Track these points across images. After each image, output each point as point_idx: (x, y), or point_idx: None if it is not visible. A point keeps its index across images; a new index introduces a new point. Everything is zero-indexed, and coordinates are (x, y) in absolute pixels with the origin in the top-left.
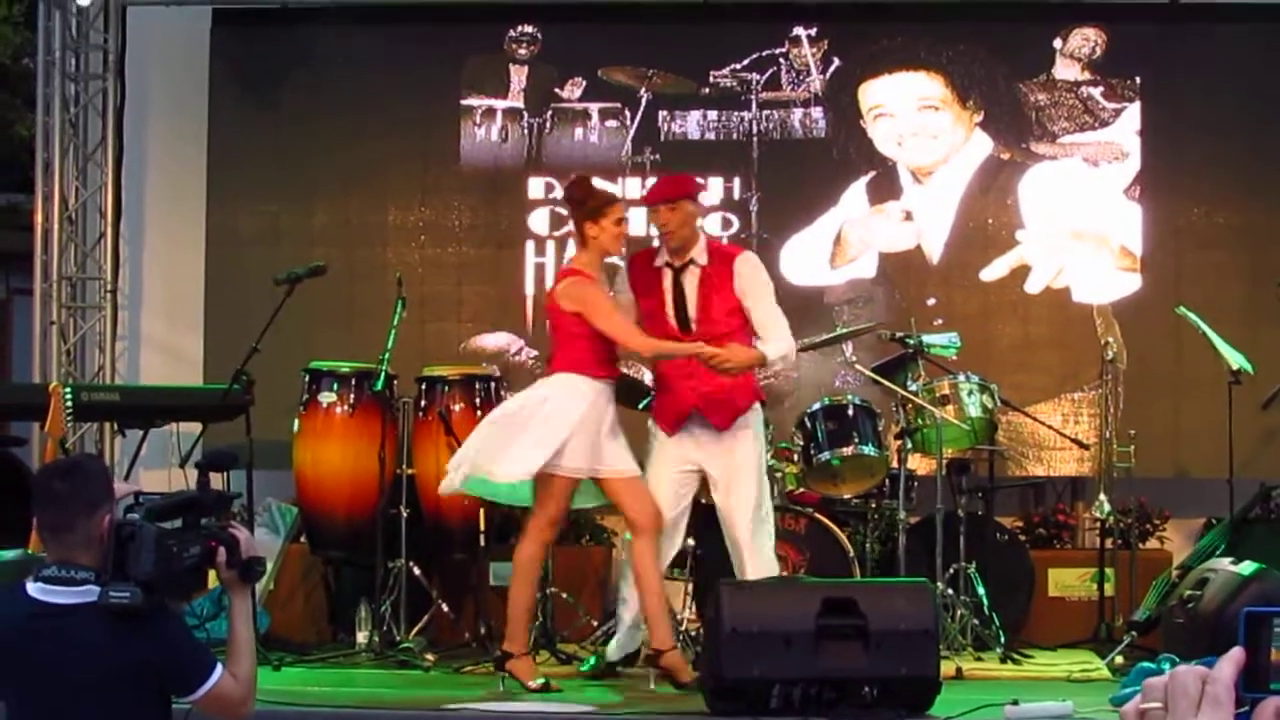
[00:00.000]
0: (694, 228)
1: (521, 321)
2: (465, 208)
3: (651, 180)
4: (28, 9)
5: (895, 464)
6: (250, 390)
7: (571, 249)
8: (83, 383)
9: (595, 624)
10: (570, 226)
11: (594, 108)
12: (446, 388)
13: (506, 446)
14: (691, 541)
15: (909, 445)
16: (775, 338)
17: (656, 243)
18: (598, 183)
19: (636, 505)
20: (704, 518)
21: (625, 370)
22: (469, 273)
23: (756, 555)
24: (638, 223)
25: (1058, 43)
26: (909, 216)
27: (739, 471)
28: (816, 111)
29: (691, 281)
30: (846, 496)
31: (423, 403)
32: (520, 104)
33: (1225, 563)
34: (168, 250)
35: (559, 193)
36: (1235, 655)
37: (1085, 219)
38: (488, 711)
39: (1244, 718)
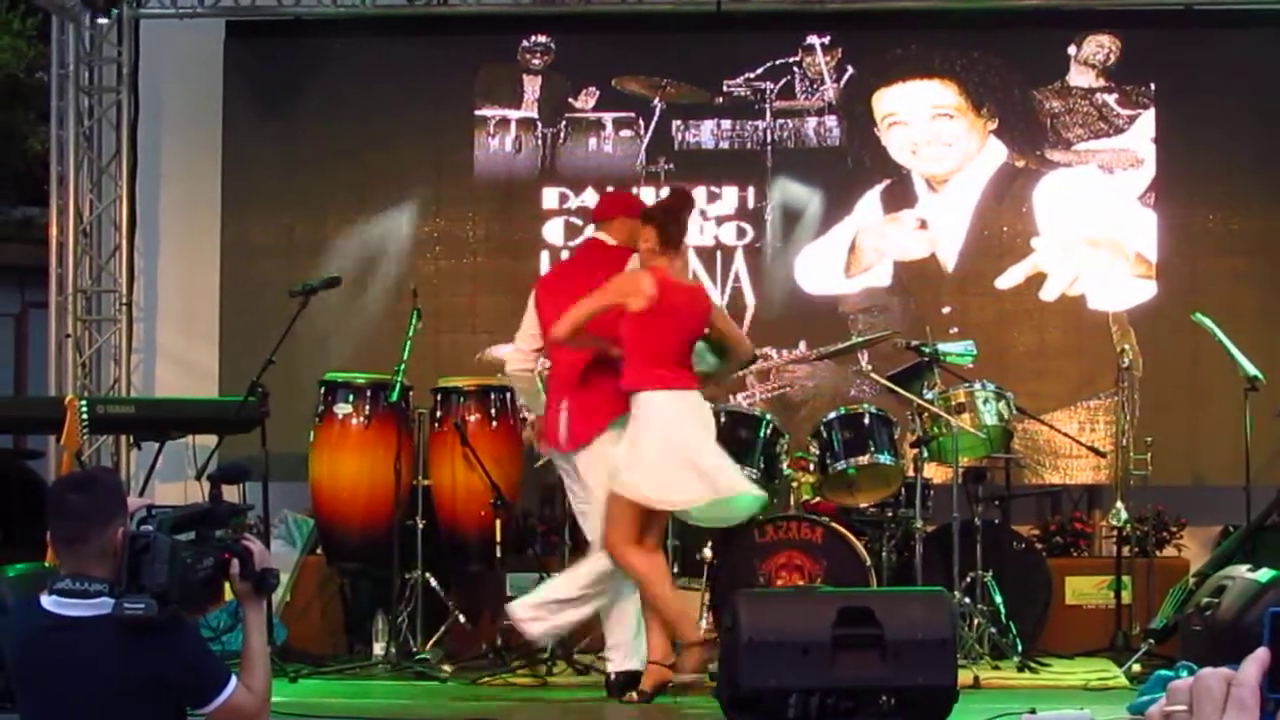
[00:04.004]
0: None
1: None
2: (479, 218)
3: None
4: (41, 23)
5: (911, 473)
6: (266, 402)
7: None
8: (98, 395)
9: None
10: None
11: (608, 117)
12: (462, 399)
13: None
14: (709, 552)
15: (925, 454)
16: None
17: None
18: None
19: None
20: (721, 529)
21: None
22: (483, 284)
23: None
24: None
25: (1072, 49)
26: (924, 225)
27: None
28: (830, 120)
29: None
30: (863, 505)
31: (438, 414)
32: (534, 114)
33: (1242, 570)
34: (182, 262)
35: (573, 203)
36: (1260, 656)
37: (1100, 226)
38: None
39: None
